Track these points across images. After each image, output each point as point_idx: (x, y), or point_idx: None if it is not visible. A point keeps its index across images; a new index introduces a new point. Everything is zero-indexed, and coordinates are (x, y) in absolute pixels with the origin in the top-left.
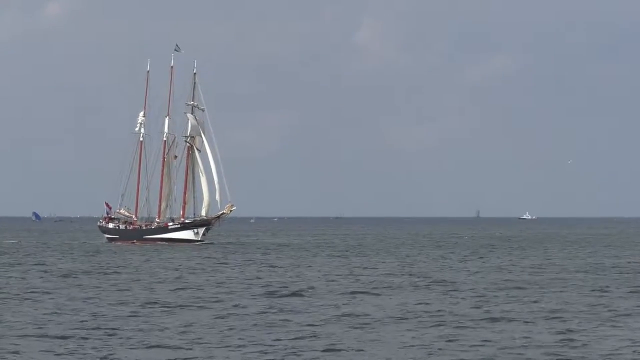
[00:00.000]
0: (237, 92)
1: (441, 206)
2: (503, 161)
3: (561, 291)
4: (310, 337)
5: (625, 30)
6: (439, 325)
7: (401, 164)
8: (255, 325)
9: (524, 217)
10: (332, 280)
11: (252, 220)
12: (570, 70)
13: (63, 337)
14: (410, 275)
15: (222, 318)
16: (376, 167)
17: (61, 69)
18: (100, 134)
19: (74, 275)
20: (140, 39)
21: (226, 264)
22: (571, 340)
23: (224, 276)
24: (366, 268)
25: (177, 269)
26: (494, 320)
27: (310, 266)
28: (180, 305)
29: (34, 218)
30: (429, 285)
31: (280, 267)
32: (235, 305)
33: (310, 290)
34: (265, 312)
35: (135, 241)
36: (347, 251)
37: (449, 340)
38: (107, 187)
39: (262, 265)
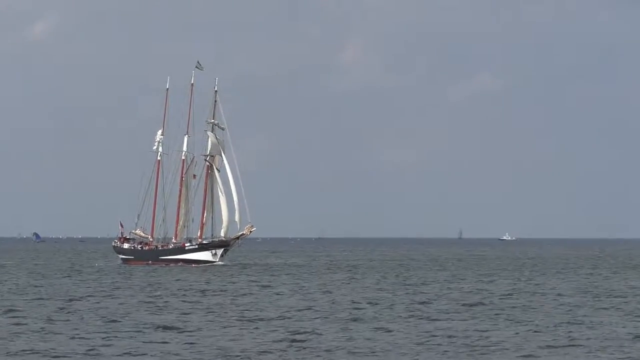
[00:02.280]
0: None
1: (424, 227)
2: (483, 181)
3: None
4: None
5: (608, 51)
6: None
7: (383, 184)
8: None
9: (504, 238)
10: None
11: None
12: (552, 89)
13: None
14: None
15: None
16: (358, 186)
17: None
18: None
19: None
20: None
21: None
22: None
23: None
24: None
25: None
26: None
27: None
28: None
29: (34, 239)
30: None
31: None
32: None
33: None
34: None
35: (150, 262)
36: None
37: None
38: (122, 207)
39: None
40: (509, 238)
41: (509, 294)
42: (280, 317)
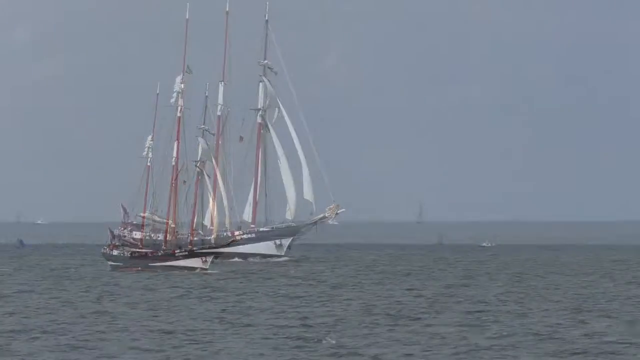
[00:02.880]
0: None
1: (404, 232)
2: (463, 188)
3: None
4: None
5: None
6: None
7: (363, 188)
8: None
9: (484, 244)
10: None
11: None
12: (537, 96)
13: None
14: None
15: None
16: (340, 190)
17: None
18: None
19: None
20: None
21: None
22: None
23: None
24: None
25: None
26: None
27: None
28: None
29: (18, 244)
30: None
31: None
32: None
33: None
34: None
35: (140, 269)
36: None
37: None
38: (110, 213)
39: None
40: (489, 244)
41: (505, 300)
42: (278, 323)
